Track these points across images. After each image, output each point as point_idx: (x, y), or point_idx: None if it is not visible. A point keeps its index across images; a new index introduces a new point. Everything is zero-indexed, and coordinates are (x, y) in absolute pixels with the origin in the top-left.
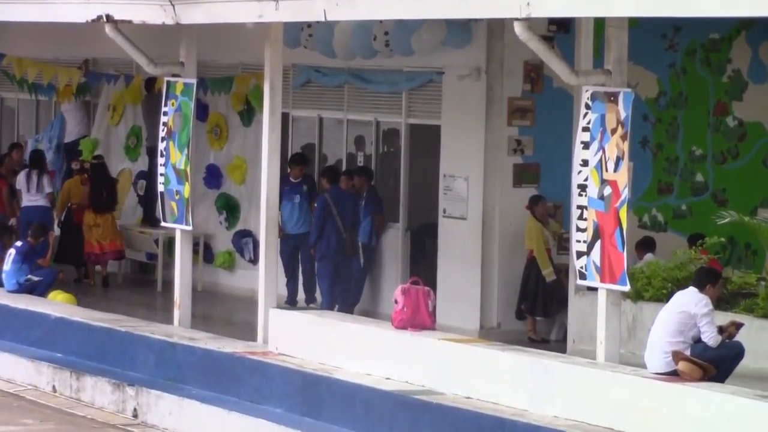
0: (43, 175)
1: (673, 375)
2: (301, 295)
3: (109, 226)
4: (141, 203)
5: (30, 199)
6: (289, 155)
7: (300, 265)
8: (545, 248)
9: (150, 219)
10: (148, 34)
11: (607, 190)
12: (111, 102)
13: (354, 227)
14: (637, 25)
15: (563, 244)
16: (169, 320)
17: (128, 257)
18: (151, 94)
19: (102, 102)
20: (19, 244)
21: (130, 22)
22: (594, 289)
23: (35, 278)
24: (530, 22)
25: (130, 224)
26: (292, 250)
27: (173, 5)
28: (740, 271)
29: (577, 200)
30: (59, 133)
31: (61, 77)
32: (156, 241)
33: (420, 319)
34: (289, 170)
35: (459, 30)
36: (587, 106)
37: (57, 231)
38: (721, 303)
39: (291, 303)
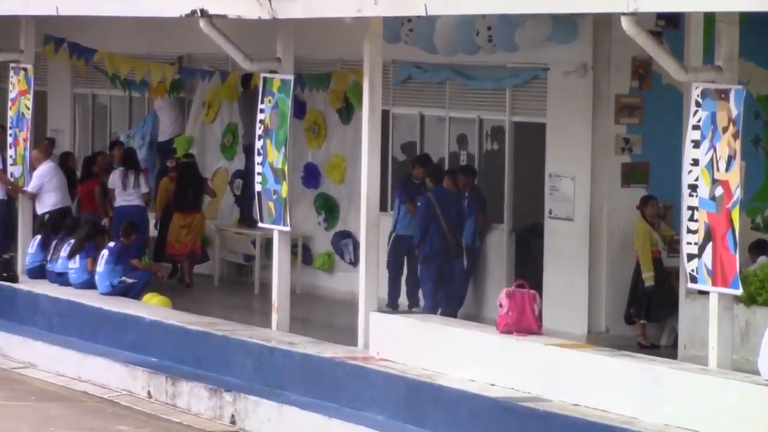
0: (140, 174)
1: None
2: (402, 298)
3: (196, 227)
4: (237, 203)
5: (125, 198)
6: (390, 154)
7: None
8: (652, 251)
9: (247, 219)
10: (244, 29)
11: (719, 191)
12: (206, 99)
13: (458, 228)
14: (748, 20)
15: (674, 247)
16: (266, 324)
17: (225, 259)
18: (248, 91)
19: (197, 99)
20: (112, 244)
21: (225, 16)
22: (705, 293)
23: (129, 280)
24: (638, 17)
25: (227, 225)
26: (401, 251)
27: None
28: None
29: (687, 201)
30: (152, 130)
31: (154, 73)
32: (253, 243)
33: (525, 323)
34: (412, 170)
35: (564, 25)
36: (697, 104)
37: (154, 232)
38: None
39: (393, 306)
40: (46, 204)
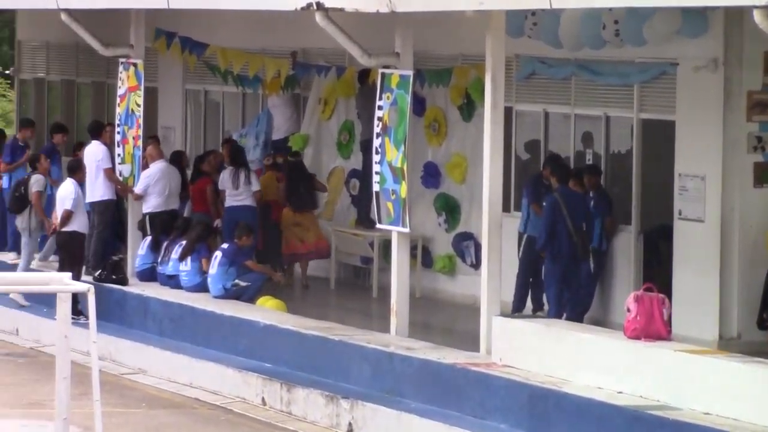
0: (250, 172)
1: None
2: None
3: (311, 224)
4: (354, 204)
5: (236, 198)
6: (513, 152)
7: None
8: None
9: (364, 221)
10: (361, 22)
11: None
12: (322, 95)
13: (585, 230)
14: None
15: None
16: (385, 329)
17: (342, 261)
18: (365, 87)
19: (312, 95)
20: (225, 246)
21: (342, 10)
22: None
23: (243, 283)
24: None
25: (343, 226)
26: (536, 252)
27: None
28: None
29: None
30: (266, 128)
31: (268, 69)
32: (371, 244)
33: (654, 328)
34: (542, 170)
35: (694, 18)
36: None
37: None
38: None
39: (518, 310)
40: (149, 205)
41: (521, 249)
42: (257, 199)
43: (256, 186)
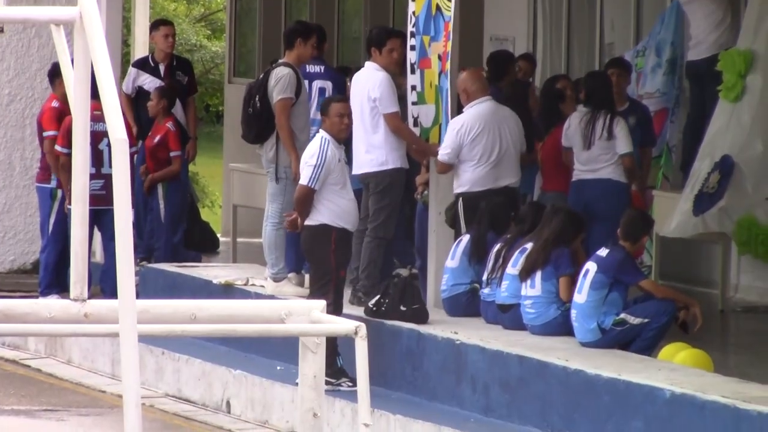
0: (615, 119)
1: None
2: None
3: None
4: None
5: (588, 166)
6: None
7: None
8: None
9: None
10: None
11: None
12: None
13: None
14: None
15: None
16: None
17: None
18: None
19: None
20: (601, 252)
21: None
22: None
23: (635, 319)
24: None
25: None
26: None
27: None
28: None
29: None
30: (674, 37)
31: None
32: None
33: None
34: None
35: None
36: None
37: None
38: None
39: None
40: (463, 180)
41: None
42: (627, 167)
43: (624, 144)
